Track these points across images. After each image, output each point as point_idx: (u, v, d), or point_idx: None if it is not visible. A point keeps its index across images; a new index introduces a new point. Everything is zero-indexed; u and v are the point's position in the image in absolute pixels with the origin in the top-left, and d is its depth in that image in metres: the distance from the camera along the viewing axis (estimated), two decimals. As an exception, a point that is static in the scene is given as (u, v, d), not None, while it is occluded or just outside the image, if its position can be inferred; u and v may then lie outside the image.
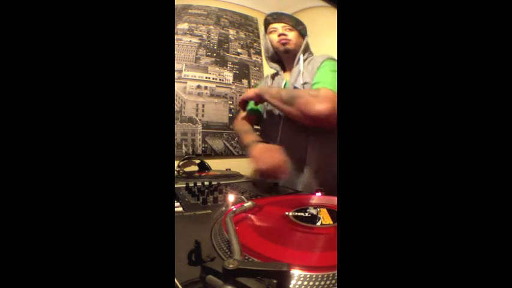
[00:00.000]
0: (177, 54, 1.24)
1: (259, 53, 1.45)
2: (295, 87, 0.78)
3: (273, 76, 0.91)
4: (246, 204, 0.39)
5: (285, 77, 0.86)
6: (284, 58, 0.88)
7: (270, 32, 0.87)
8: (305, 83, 0.76)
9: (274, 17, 0.86)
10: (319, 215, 0.36)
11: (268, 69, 1.01)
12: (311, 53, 0.86)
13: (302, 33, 0.86)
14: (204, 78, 1.27)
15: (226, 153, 1.29)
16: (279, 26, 0.85)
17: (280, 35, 0.83)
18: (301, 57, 0.82)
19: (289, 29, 0.84)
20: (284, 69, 0.90)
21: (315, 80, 0.73)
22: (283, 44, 0.83)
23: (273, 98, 0.72)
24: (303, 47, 0.84)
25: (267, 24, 0.89)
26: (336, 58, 0.76)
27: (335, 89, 0.66)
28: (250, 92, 0.81)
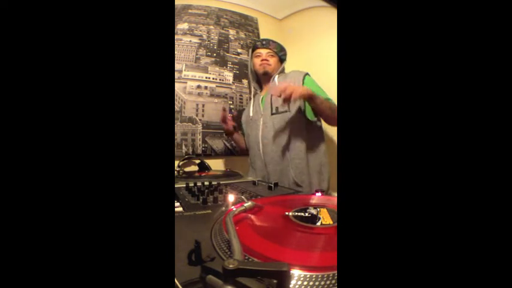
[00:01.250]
0: (177, 54, 1.24)
1: (259, 53, 1.45)
2: (272, 95, 0.96)
3: (254, 95, 1.11)
4: (246, 204, 0.39)
5: (262, 94, 1.06)
6: (262, 78, 1.07)
7: (256, 56, 1.05)
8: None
9: (263, 43, 1.05)
10: (319, 215, 0.36)
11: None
12: (283, 72, 1.06)
13: (282, 58, 1.06)
14: (204, 78, 1.27)
15: (226, 153, 1.29)
16: (264, 52, 1.03)
17: (263, 59, 1.02)
18: (276, 77, 1.01)
19: (271, 55, 1.04)
20: (261, 88, 1.10)
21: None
22: (264, 67, 1.02)
23: (322, 103, 0.87)
24: (279, 70, 1.03)
25: (254, 48, 1.07)
26: (308, 73, 0.98)
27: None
28: (302, 91, 0.83)
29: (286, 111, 0.93)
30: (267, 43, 1.05)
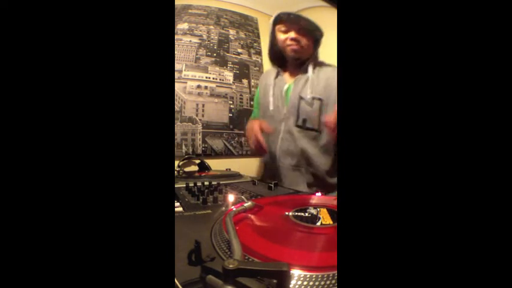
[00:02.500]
0: (177, 54, 1.24)
1: (259, 53, 1.45)
2: (301, 98, 0.75)
3: (276, 76, 0.86)
4: (246, 204, 0.39)
5: (286, 80, 0.83)
6: (289, 60, 0.81)
7: (280, 31, 0.77)
8: (314, 98, 0.73)
9: (290, 17, 0.74)
10: (319, 215, 0.36)
11: (268, 66, 1.04)
12: (318, 61, 0.79)
13: (317, 38, 0.76)
14: (204, 78, 1.27)
15: (226, 153, 1.28)
16: (293, 28, 0.75)
17: (292, 39, 0.74)
18: (311, 68, 0.76)
19: (303, 34, 0.74)
20: (284, 69, 0.85)
21: None
22: (294, 51, 0.75)
23: None
24: (314, 56, 0.77)
25: (277, 21, 0.78)
26: None
27: None
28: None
29: (314, 130, 0.75)
30: (297, 19, 0.73)
